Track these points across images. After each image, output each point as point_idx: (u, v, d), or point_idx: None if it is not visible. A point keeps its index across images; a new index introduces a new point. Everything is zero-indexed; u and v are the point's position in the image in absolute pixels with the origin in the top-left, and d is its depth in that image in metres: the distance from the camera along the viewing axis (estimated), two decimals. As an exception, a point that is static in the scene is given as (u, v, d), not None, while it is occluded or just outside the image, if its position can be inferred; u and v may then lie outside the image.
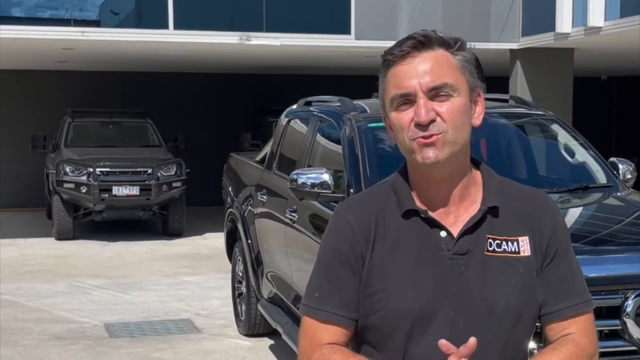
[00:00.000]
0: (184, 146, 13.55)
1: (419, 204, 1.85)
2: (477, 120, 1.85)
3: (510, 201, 1.87)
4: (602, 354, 3.80)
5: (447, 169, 1.80)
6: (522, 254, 1.84)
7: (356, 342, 1.90)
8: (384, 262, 1.82)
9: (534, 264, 1.85)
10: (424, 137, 1.76)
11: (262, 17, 10.87)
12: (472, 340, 1.69)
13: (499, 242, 1.83)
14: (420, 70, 1.76)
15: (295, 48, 11.43)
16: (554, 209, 1.92)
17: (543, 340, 1.95)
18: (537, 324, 1.93)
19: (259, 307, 6.34)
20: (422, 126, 1.75)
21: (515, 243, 1.84)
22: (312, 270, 1.93)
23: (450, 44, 1.80)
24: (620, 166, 5.38)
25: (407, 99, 1.77)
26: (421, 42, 1.77)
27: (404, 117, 1.78)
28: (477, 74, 1.85)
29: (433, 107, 1.75)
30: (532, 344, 3.51)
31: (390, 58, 1.79)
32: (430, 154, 1.76)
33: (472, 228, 1.82)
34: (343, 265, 1.85)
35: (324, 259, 1.89)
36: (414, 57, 1.77)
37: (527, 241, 1.85)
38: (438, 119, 1.75)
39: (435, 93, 1.76)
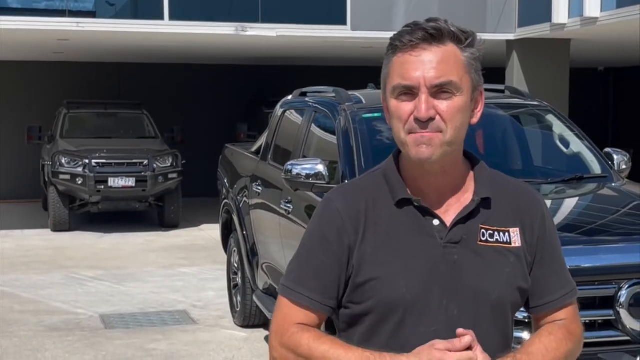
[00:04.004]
0: (180, 137, 13.54)
1: (411, 193, 1.85)
2: (475, 118, 1.85)
3: (501, 193, 1.89)
4: (596, 344, 3.82)
5: (440, 164, 1.80)
6: (513, 244, 1.86)
7: (347, 329, 1.89)
8: (376, 251, 1.82)
9: (524, 255, 1.87)
10: (420, 133, 1.75)
11: (258, 8, 10.85)
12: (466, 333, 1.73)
13: (491, 232, 1.84)
14: (427, 65, 1.74)
15: (291, 39, 11.41)
16: (541, 201, 1.95)
17: (533, 331, 1.97)
18: (528, 314, 1.95)
19: (255, 298, 6.34)
20: (420, 122, 1.75)
21: (507, 234, 1.86)
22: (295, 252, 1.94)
23: (461, 40, 1.78)
24: (615, 157, 5.39)
25: (410, 91, 1.76)
26: (433, 36, 1.75)
27: (403, 108, 1.77)
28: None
29: (434, 104, 1.75)
30: (525, 335, 3.52)
31: (399, 45, 1.77)
32: (424, 151, 1.76)
33: (465, 218, 1.83)
34: (326, 252, 1.85)
35: (307, 243, 1.89)
36: (423, 49, 1.75)
37: (518, 232, 1.87)
38: (438, 117, 1.75)
39: (438, 90, 1.75)
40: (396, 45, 1.78)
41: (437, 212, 1.84)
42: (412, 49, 1.76)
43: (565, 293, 1.93)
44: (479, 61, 1.83)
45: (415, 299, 1.79)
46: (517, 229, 1.87)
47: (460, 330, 1.74)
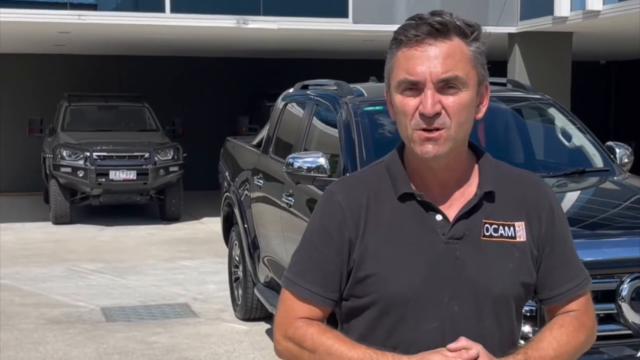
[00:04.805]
0: (181, 130, 13.52)
1: (414, 187, 1.83)
2: (481, 113, 1.83)
3: (507, 186, 1.87)
4: (598, 338, 3.80)
5: (445, 160, 1.79)
6: (518, 239, 1.83)
7: (348, 321, 1.89)
8: (377, 246, 1.81)
9: (530, 250, 1.85)
10: (426, 131, 1.74)
11: (259, 1, 10.82)
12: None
13: (495, 227, 1.82)
14: (433, 60, 1.73)
15: (293, 32, 11.38)
16: (550, 193, 1.92)
17: (538, 324, 1.96)
18: (531, 308, 1.94)
19: (256, 291, 6.34)
20: (426, 117, 1.73)
21: (511, 228, 1.83)
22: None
23: (467, 34, 1.76)
24: (617, 150, 5.37)
25: (415, 86, 1.75)
26: (438, 30, 1.74)
27: (408, 104, 1.75)
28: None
29: (440, 99, 1.73)
30: (527, 328, 3.51)
31: (404, 39, 1.76)
32: (430, 149, 1.74)
33: (468, 213, 1.81)
34: (327, 245, 1.84)
35: (309, 235, 1.89)
36: (429, 44, 1.74)
37: (523, 226, 1.84)
38: (443, 112, 1.73)
39: (444, 85, 1.73)
40: (401, 39, 1.76)
41: (441, 206, 1.82)
42: (417, 43, 1.74)
43: (576, 284, 1.90)
44: (484, 55, 1.81)
45: (416, 295, 1.78)
46: (523, 223, 1.84)
47: (463, 342, 1.73)
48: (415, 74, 1.74)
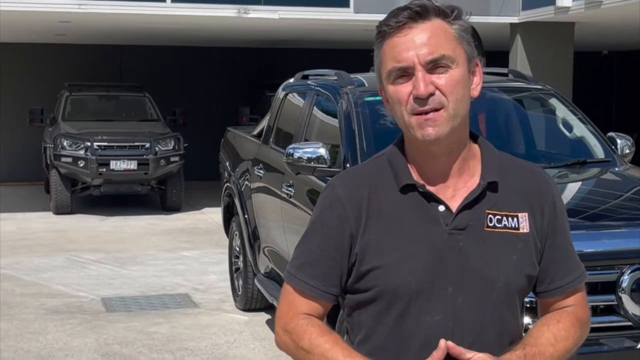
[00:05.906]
0: (182, 120, 13.51)
1: (416, 178, 1.82)
2: (476, 91, 1.82)
3: (510, 176, 1.85)
4: (598, 329, 3.81)
5: (447, 143, 1.77)
6: (521, 230, 1.82)
7: (352, 313, 1.88)
8: (380, 239, 1.79)
9: (532, 241, 1.83)
10: (423, 113, 1.73)
11: (260, -10, 10.78)
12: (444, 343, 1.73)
13: (499, 217, 1.81)
14: (417, 43, 1.73)
15: (294, 21, 11.35)
16: (552, 185, 1.91)
17: (539, 315, 1.95)
18: (531, 299, 1.94)
19: (256, 282, 6.34)
20: (421, 100, 1.72)
21: (515, 219, 1.82)
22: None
23: (447, 13, 1.76)
24: (619, 141, 5.36)
25: (405, 72, 1.74)
26: (418, 13, 1.74)
27: (402, 91, 1.74)
28: (476, 45, 1.82)
29: (432, 80, 1.72)
30: (527, 319, 3.51)
31: (386, 29, 1.76)
32: (431, 130, 1.73)
33: (471, 203, 1.80)
34: (327, 240, 1.83)
35: (310, 229, 1.88)
36: (410, 28, 1.74)
37: (527, 217, 1.83)
38: (437, 92, 1.72)
39: (433, 65, 1.73)
40: (383, 30, 1.77)
41: (444, 197, 1.80)
42: (398, 30, 1.74)
43: (575, 277, 1.89)
44: (469, 32, 1.80)
45: (420, 287, 1.77)
46: (526, 214, 1.83)
47: (445, 343, 1.73)
48: (402, 59, 1.73)
